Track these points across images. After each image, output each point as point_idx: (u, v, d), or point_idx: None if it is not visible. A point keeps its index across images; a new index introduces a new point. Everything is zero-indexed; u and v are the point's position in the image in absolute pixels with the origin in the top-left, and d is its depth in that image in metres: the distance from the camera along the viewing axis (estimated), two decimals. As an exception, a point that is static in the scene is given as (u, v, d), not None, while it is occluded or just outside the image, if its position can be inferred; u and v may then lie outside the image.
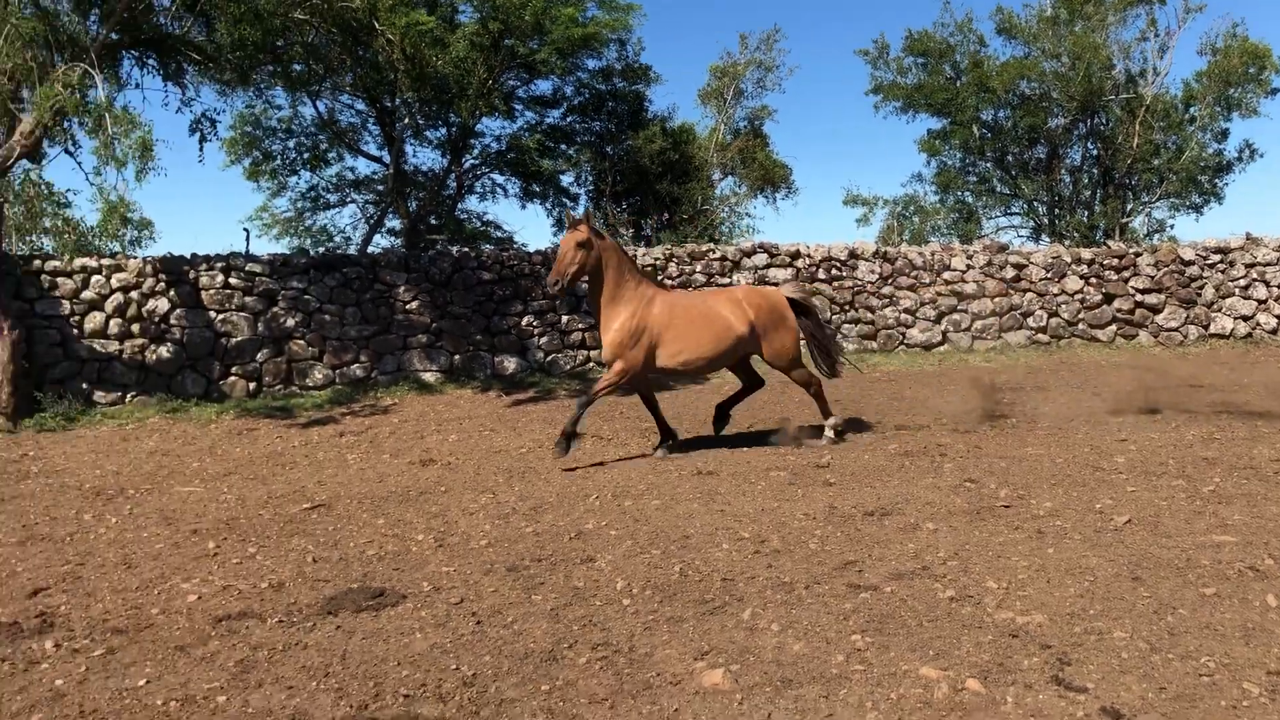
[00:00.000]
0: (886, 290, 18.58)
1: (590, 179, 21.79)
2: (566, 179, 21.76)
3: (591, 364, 16.65)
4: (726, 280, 17.56)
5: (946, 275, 18.90)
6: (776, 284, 17.89)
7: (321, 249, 20.28)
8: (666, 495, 7.72)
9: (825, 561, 5.88)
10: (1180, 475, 7.74)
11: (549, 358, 16.45)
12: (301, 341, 15.22)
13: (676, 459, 9.25)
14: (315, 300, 15.32)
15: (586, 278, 9.02)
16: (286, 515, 7.61)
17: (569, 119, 21.33)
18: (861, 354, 17.99)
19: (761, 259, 17.97)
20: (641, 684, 4.20)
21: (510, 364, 16.16)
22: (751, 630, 4.78)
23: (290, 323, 15.13)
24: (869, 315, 18.45)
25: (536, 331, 16.48)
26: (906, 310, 18.62)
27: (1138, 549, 5.84)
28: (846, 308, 18.35)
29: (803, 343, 10.02)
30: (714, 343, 9.25)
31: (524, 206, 22.28)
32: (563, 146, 21.18)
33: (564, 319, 16.61)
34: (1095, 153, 25.63)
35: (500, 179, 21.69)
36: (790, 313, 9.79)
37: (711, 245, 18.26)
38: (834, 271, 18.38)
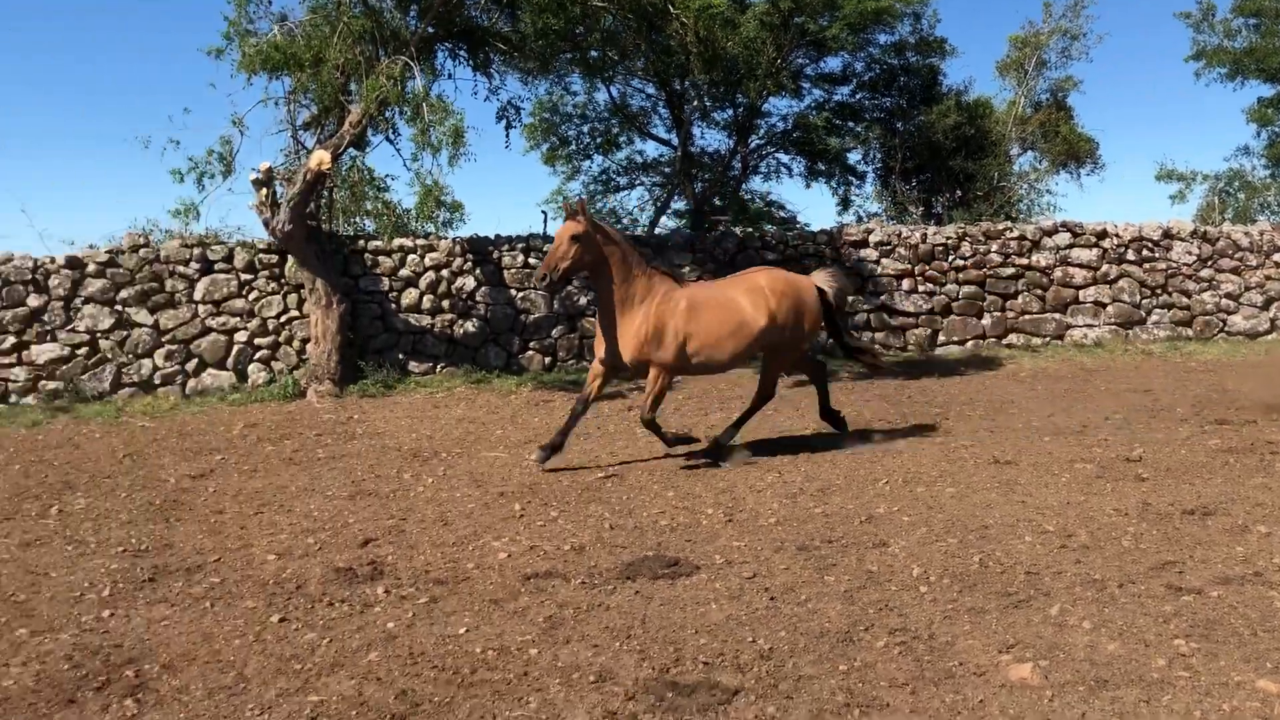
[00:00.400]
0: (1205, 273, 17.06)
1: (878, 156, 21.32)
2: (853, 157, 21.44)
3: (877, 346, 16.29)
4: (1024, 261, 16.70)
5: (1277, 258, 17.10)
6: (1082, 265, 16.89)
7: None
8: (961, 483, 7.45)
9: (1140, 561, 5.48)
10: None
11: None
12: (593, 319, 15.79)
13: (969, 446, 8.89)
14: (604, 279, 15.84)
15: (586, 274, 8.44)
16: (583, 483, 7.93)
17: (858, 96, 20.94)
18: (1174, 341, 16.62)
19: (1064, 238, 16.95)
20: (943, 672, 4.07)
21: (793, 344, 16.11)
22: (1060, 627, 4.53)
23: (583, 301, 15.74)
24: (1184, 300, 17.01)
25: (820, 312, 16.33)
26: (1228, 295, 17.03)
27: None
28: (1159, 291, 17.00)
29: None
30: (733, 339, 8.41)
31: (808, 186, 22.08)
32: (850, 124, 20.82)
33: (848, 300, 16.34)
34: None
35: (785, 158, 21.65)
36: (815, 307, 8.88)
37: (1009, 224, 17.40)
38: (1145, 253, 17.06)
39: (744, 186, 22.05)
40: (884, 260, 16.49)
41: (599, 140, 21.61)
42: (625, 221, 22.74)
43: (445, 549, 6.12)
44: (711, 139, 23.69)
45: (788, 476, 7.90)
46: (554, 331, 15.64)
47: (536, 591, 5.26)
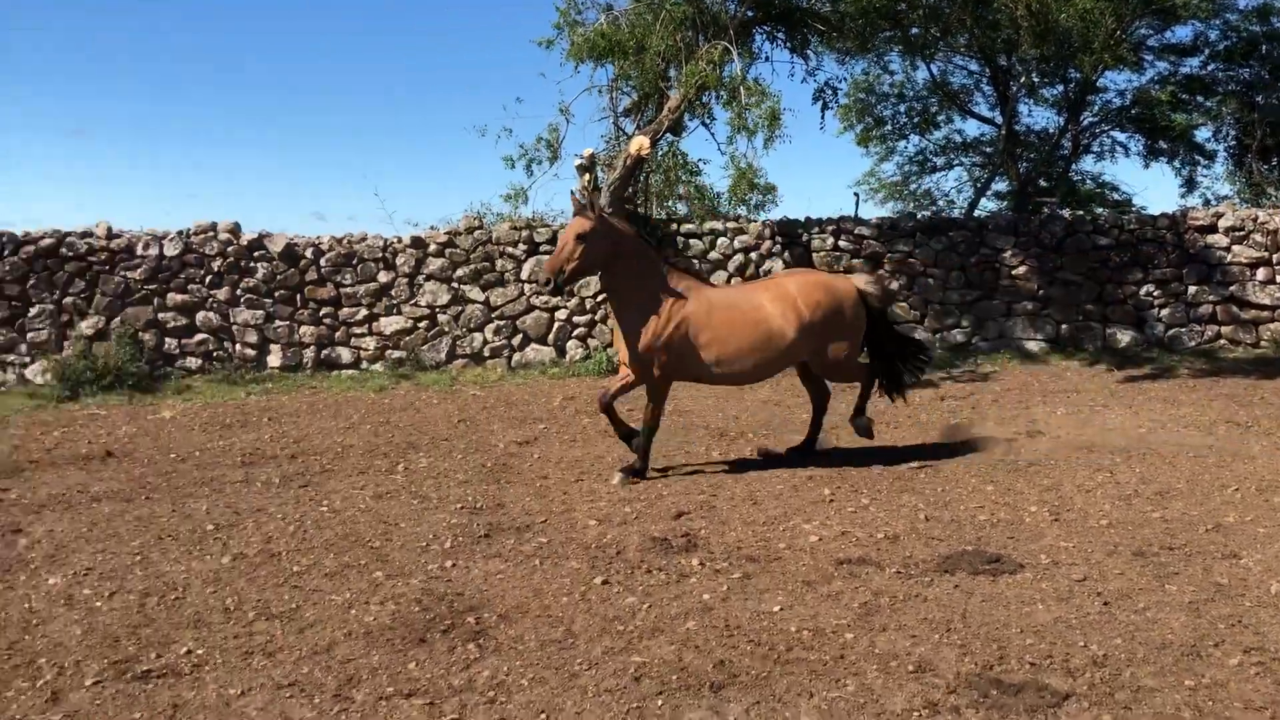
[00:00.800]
0: None
1: (1231, 134, 19.32)
2: (1201, 134, 19.51)
3: (1222, 341, 14.84)
4: None
5: None
6: None
7: (926, 213, 20.30)
8: (1331, 495, 6.65)
9: None
10: None
11: (1170, 332, 14.95)
12: (904, 304, 15.41)
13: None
14: (919, 264, 15.40)
15: (600, 274, 7.78)
16: (895, 473, 7.75)
17: (1209, 67, 19.04)
18: None
19: None
20: (1314, 703, 3.66)
21: (1124, 337, 14.95)
22: None
23: (894, 285, 15.38)
24: None
25: (1157, 303, 15.04)
26: None
27: None
28: None
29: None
30: (755, 348, 7.67)
31: (1147, 166, 20.32)
32: (1199, 98, 18.99)
33: (1190, 290, 14.97)
34: None
35: (1121, 137, 20.06)
36: (859, 312, 8.00)
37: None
38: None
39: (1073, 167, 20.68)
40: (1235, 247, 14.95)
41: (916, 120, 20.94)
42: (941, 203, 21.97)
43: (755, 527, 6.17)
44: (1039, 117, 22.49)
45: (1120, 478, 7.35)
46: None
47: (850, 577, 5.20)
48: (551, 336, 15.14)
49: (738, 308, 7.70)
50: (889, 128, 21.18)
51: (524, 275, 15.07)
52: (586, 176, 14.35)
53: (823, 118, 15.77)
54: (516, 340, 15.07)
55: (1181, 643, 4.22)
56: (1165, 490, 6.94)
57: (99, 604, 5.00)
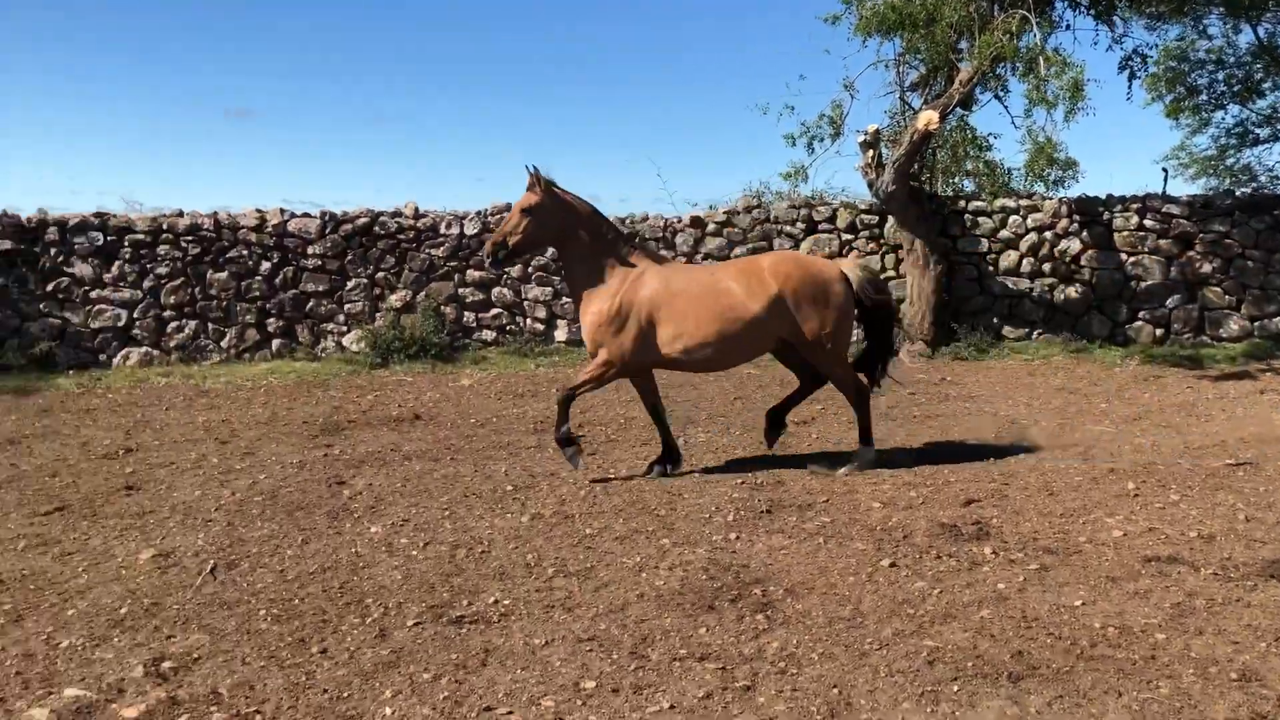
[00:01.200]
0: None
1: None
2: None
3: None
4: None
5: None
6: None
7: (1246, 190, 18.50)
8: None
9: None
10: None
11: None
12: (1217, 289, 14.15)
13: None
14: (1237, 245, 14.08)
15: (557, 251, 7.47)
16: (1207, 468, 7.16)
17: None
18: None
19: None
20: None
21: None
22: None
23: (1206, 268, 14.15)
24: None
25: None
26: None
27: None
28: None
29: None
30: (718, 324, 6.93)
31: None
32: None
33: None
34: None
35: None
36: (841, 290, 7.14)
37: None
38: None
39: None
40: None
41: (1236, 88, 19.04)
42: (1262, 178, 19.94)
43: (1053, 519, 5.87)
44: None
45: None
46: (1169, 301, 14.25)
47: (1159, 575, 4.85)
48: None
49: (700, 285, 7.13)
50: (1204, 97, 19.40)
51: (802, 251, 15.00)
52: (870, 152, 14.08)
53: (1129, 88, 14.68)
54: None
55: None
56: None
57: (415, 553, 5.43)
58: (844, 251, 15.00)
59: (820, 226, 15.14)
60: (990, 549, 5.28)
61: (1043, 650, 3.97)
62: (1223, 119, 20.17)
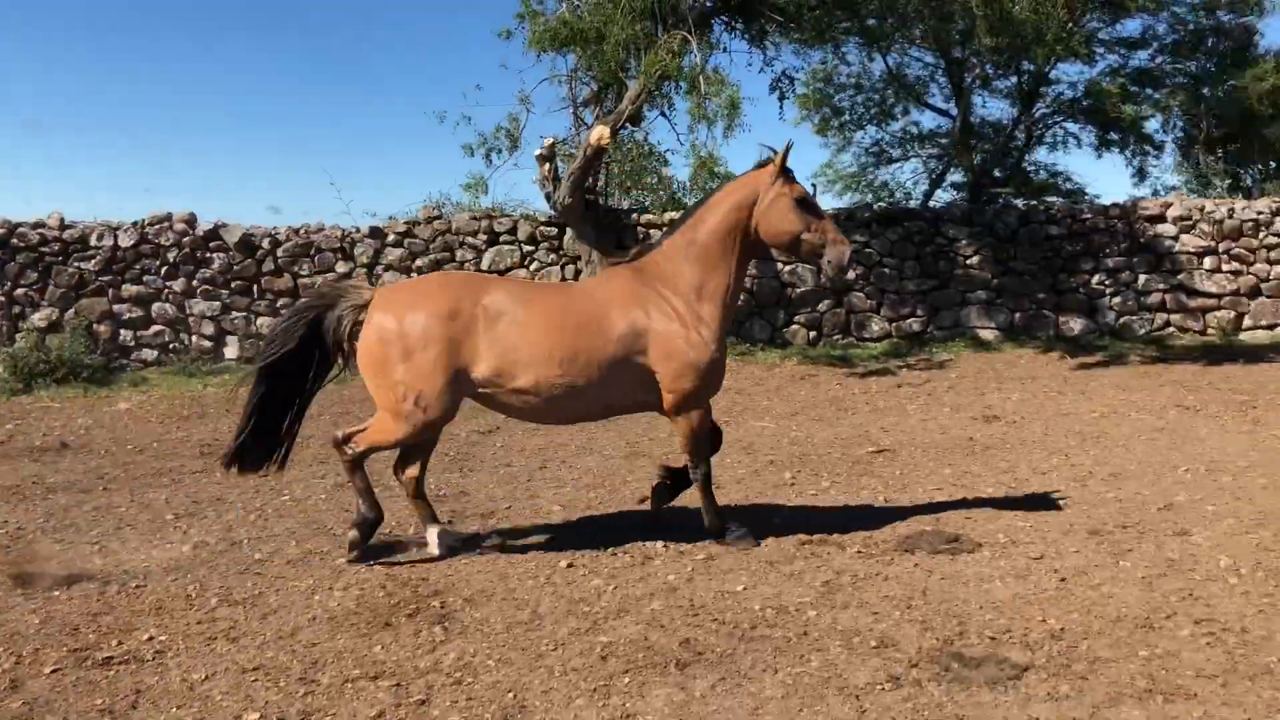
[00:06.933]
0: None
1: (1179, 125, 19.64)
2: (1150, 126, 19.81)
3: (1170, 329, 15.13)
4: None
5: None
6: None
7: (883, 204, 20.45)
8: (1274, 475, 6.82)
9: None
10: None
11: (1120, 320, 15.21)
12: (861, 294, 15.55)
13: (1284, 437, 8.12)
14: (876, 253, 15.54)
15: None
16: (854, 456, 7.85)
17: (1157, 60, 19.32)
18: None
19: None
20: (1260, 667, 3.77)
21: (1076, 325, 15.19)
22: (1403, 635, 4.08)
23: (850, 275, 15.51)
24: None
25: (1108, 291, 15.29)
26: None
27: None
28: None
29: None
30: None
31: (1099, 157, 20.64)
32: (1148, 90, 19.28)
33: (1141, 279, 15.23)
34: None
35: (1073, 128, 20.30)
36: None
37: (1332, 198, 15.67)
38: None
39: (1027, 158, 20.92)
40: (1183, 237, 15.23)
41: (873, 111, 21.07)
42: (898, 195, 22.12)
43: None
44: (993, 108, 22.69)
45: (1075, 460, 7.51)
46: (820, 306, 15.49)
47: (812, 556, 5.26)
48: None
49: None
50: (846, 118, 21.28)
51: (484, 265, 15.04)
52: (546, 166, 14.33)
53: (781, 107, 15.87)
54: (476, 331, 15.03)
55: (1135, 616, 4.32)
56: (1119, 472, 7.09)
57: (57, 593, 4.94)
58: (525, 263, 15.19)
59: (502, 238, 15.23)
60: (663, 543, 5.51)
61: (708, 636, 4.20)
62: (862, 138, 22.18)
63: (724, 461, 7.66)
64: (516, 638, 4.22)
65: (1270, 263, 15.09)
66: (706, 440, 5.59)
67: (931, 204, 19.12)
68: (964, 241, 15.50)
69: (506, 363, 5.13)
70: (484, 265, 14.99)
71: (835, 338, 15.46)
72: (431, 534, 5.44)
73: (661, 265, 5.50)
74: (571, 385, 5.20)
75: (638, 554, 5.35)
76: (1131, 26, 18.93)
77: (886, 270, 15.55)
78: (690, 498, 5.75)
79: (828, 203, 23.42)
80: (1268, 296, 15.04)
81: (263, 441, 5.45)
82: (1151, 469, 7.17)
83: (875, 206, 17.33)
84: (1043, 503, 6.29)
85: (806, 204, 5.51)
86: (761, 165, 5.59)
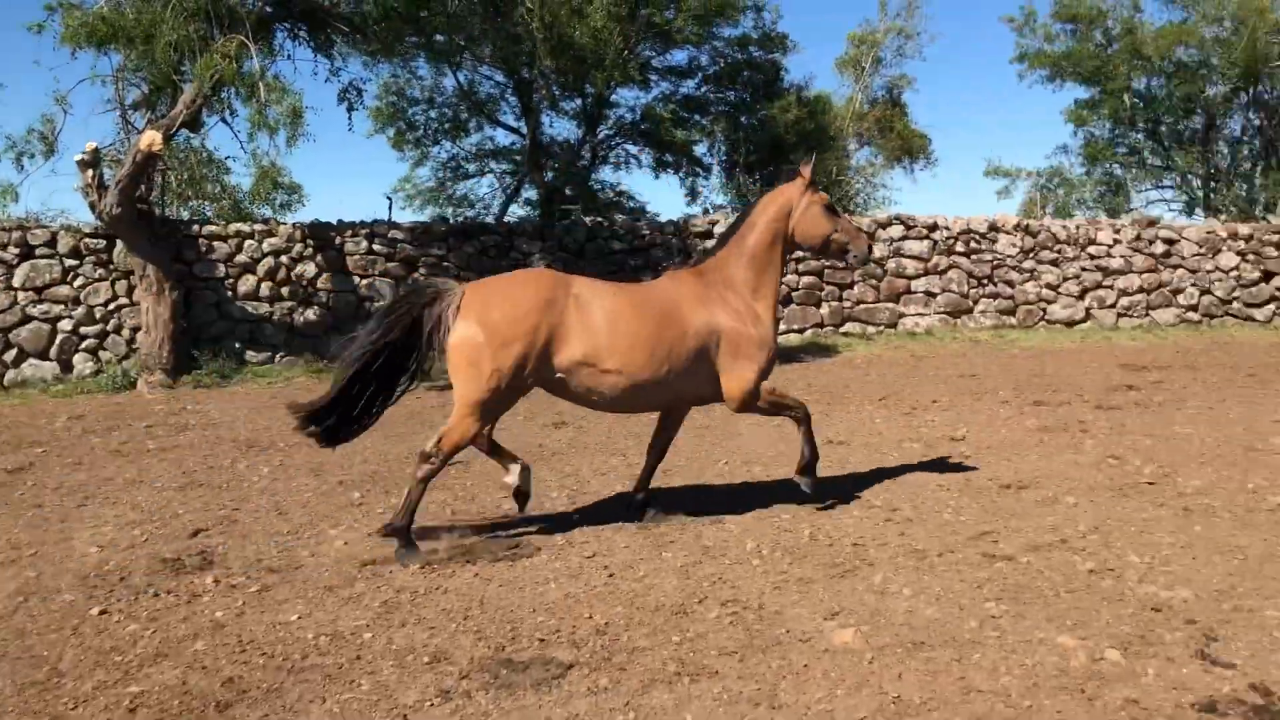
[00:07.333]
0: (1027, 265, 18.04)
1: (723, 149, 21.68)
2: (700, 149, 21.71)
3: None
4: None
5: (1091, 250, 18.24)
6: (914, 256, 17.55)
7: (461, 218, 20.71)
8: (796, 463, 7.69)
9: (959, 531, 5.80)
10: (1344, 458, 7.34)
11: (679, 327, 16.49)
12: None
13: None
14: (454, 267, 15.71)
15: None
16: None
17: (703, 89, 21.24)
18: (999, 329, 17.51)
19: (897, 230, 17.62)
20: (771, 640, 4.23)
21: (641, 333, 16.26)
22: (882, 594, 4.76)
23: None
24: (1008, 290, 17.94)
25: (667, 301, 16.52)
26: (1048, 285, 18.04)
27: (1295, 531, 5.57)
28: (985, 282, 17.87)
29: None
30: None
31: (657, 177, 22.29)
32: (696, 117, 21.10)
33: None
34: (1257, 123, 24.22)
35: (633, 149, 21.80)
36: None
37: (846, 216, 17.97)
38: (972, 244, 17.92)
39: (593, 176, 22.12)
40: (729, 250, 16.80)
41: (447, 126, 21.31)
42: (477, 209, 22.51)
43: (280, 538, 5.98)
44: (561, 128, 23.77)
45: (632, 459, 8.01)
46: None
47: (373, 577, 5.20)
48: (55, 350, 13.68)
49: None
50: (422, 132, 21.36)
51: (16, 282, 13.52)
52: (90, 172, 13.06)
53: (349, 119, 15.61)
54: (10, 355, 13.43)
55: (672, 603, 4.69)
56: (668, 468, 7.61)
57: None
58: (69, 279, 13.76)
59: (38, 251, 13.73)
60: (213, 578, 5.19)
61: (255, 672, 4.01)
62: (439, 153, 22.36)
63: (290, 486, 7.39)
64: (29, 701, 3.79)
65: (799, 274, 17.02)
66: (786, 401, 6.22)
67: (507, 219, 19.66)
68: (537, 255, 16.08)
69: (596, 349, 5.55)
70: (16, 282, 13.43)
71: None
72: None
73: (721, 270, 6.16)
74: (654, 373, 5.68)
75: (184, 591, 5.00)
76: (679, 57, 20.66)
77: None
78: (244, 521, 5.45)
79: (407, 216, 23.40)
80: (797, 304, 16.96)
81: (342, 419, 5.73)
82: (697, 463, 7.86)
83: (452, 220, 17.51)
84: (600, 501, 6.66)
85: (830, 209, 6.37)
86: (790, 179, 6.38)
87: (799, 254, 16.82)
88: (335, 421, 5.73)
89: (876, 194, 24.78)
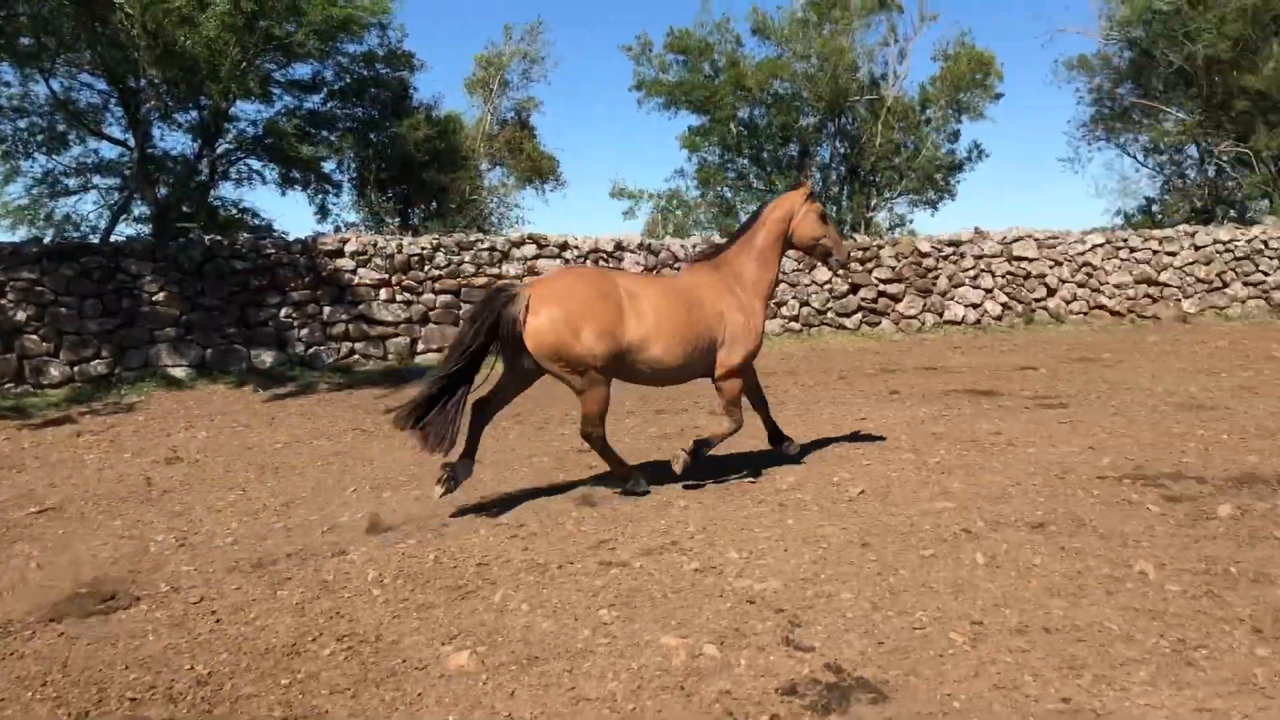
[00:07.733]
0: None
1: (353, 166, 21.19)
2: (329, 166, 21.04)
3: (356, 356, 16.21)
4: (496, 271, 17.46)
5: (709, 266, 19.52)
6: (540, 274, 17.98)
7: (62, 238, 18.77)
8: (427, 485, 7.65)
9: (579, 541, 6.00)
10: (911, 449, 8.34)
11: (310, 350, 15.89)
12: (35, 336, 14.11)
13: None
14: (50, 292, 14.23)
15: None
16: (9, 520, 7.06)
17: (330, 104, 20.64)
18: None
19: (530, 249, 17.99)
20: (387, 671, 4.17)
21: (268, 357, 15.52)
22: (501, 612, 4.83)
23: (21, 316, 14.00)
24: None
25: (296, 323, 15.87)
26: (671, 300, 19.09)
27: (869, 517, 6.27)
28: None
29: None
30: None
31: (284, 194, 21.35)
32: (324, 132, 20.45)
33: (325, 310, 16.08)
34: (843, 151, 27.10)
35: (257, 165, 20.74)
36: None
37: (480, 235, 18.13)
38: (600, 262, 18.65)
39: (213, 193, 20.83)
40: (360, 270, 16.43)
41: (41, 138, 19.22)
42: (83, 229, 20.47)
43: None
44: (175, 141, 22.24)
45: (252, 493, 7.63)
46: (-17, 352, 13.73)
47: (-65, 648, 4.60)
48: None
49: None
50: (10, 145, 19.14)
51: None
52: None
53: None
54: None
55: (284, 644, 4.50)
56: (292, 499, 7.36)
57: None
58: None
59: None
60: None
61: None
62: (33, 167, 20.13)
63: None
64: None
65: (435, 293, 16.96)
66: (740, 403, 7.31)
67: (114, 238, 18.08)
68: (149, 277, 14.92)
69: (644, 335, 6.57)
70: None
71: (7, 386, 13.81)
72: None
73: (733, 263, 7.29)
74: (687, 354, 6.79)
75: None
76: (303, 71, 19.97)
77: (64, 310, 14.33)
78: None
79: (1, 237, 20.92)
80: (435, 324, 16.88)
81: (439, 417, 6.30)
82: (324, 492, 7.59)
83: (46, 241, 15.86)
84: (213, 542, 6.28)
85: (823, 217, 7.53)
86: (792, 188, 7.67)
87: (436, 272, 16.83)
88: (434, 415, 6.31)
89: (510, 214, 25.29)
